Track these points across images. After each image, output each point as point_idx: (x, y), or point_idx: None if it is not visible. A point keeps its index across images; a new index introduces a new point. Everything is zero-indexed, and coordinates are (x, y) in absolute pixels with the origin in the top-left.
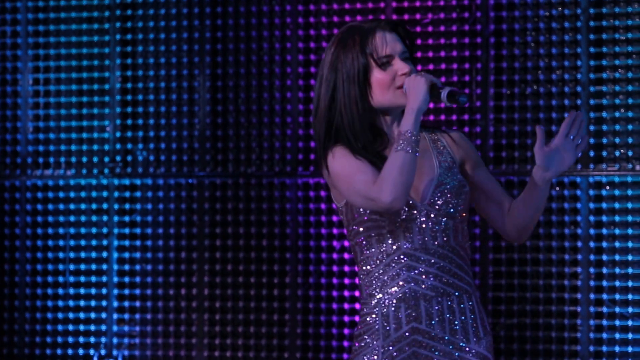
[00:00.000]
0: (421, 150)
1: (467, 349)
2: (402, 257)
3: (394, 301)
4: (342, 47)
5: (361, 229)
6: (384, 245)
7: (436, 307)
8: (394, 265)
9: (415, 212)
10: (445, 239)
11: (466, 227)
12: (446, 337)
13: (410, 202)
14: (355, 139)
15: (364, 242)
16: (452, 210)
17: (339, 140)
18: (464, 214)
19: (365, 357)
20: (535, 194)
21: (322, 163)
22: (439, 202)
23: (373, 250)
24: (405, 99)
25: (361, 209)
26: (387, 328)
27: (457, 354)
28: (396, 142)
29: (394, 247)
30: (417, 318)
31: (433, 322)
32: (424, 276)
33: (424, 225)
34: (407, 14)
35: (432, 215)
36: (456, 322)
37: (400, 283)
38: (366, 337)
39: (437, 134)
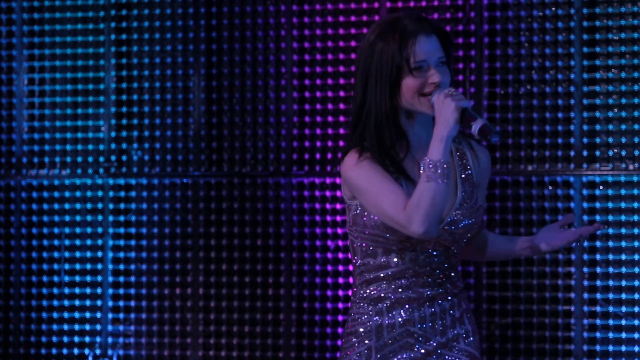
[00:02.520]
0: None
1: (457, 348)
2: (403, 271)
3: (388, 305)
4: (381, 39)
5: (369, 240)
6: (388, 258)
7: (429, 311)
8: (393, 276)
9: None
10: (447, 256)
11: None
12: (437, 339)
13: None
14: (379, 136)
15: (370, 249)
16: (463, 238)
17: (364, 139)
18: (471, 236)
19: (358, 353)
20: (520, 253)
21: (344, 159)
22: (452, 230)
23: (376, 258)
24: (429, 107)
25: (377, 225)
26: (381, 329)
27: (447, 354)
28: (426, 170)
29: (398, 262)
30: (410, 321)
31: (425, 325)
32: (421, 286)
33: (432, 247)
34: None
35: (443, 240)
36: (447, 324)
37: (398, 291)
38: (359, 334)
39: (463, 144)
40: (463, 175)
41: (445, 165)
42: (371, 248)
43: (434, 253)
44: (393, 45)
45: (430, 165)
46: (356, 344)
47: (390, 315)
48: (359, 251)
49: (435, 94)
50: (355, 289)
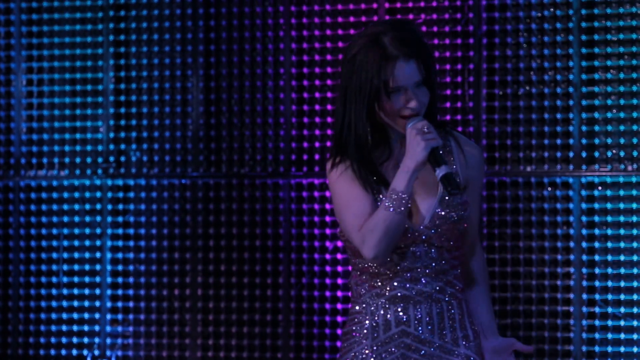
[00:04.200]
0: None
1: (456, 352)
2: (394, 266)
3: (383, 302)
4: (361, 57)
5: None
6: None
7: (425, 312)
8: (385, 270)
9: (410, 235)
10: (439, 253)
11: (462, 241)
12: (435, 341)
13: (407, 226)
14: (359, 148)
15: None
16: (450, 233)
17: (346, 144)
18: (462, 233)
19: (354, 353)
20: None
21: (326, 163)
22: (436, 226)
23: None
24: (405, 130)
25: None
26: (377, 328)
27: (446, 357)
28: (388, 199)
29: (386, 258)
30: (406, 321)
31: (421, 326)
32: (414, 282)
33: (419, 244)
34: (399, 15)
35: (429, 237)
36: (445, 327)
37: (390, 287)
38: (356, 334)
39: (451, 141)
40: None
41: (405, 197)
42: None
43: (425, 249)
44: (372, 67)
45: (394, 195)
46: (353, 344)
47: (385, 314)
48: (351, 253)
49: (409, 124)
50: (351, 288)
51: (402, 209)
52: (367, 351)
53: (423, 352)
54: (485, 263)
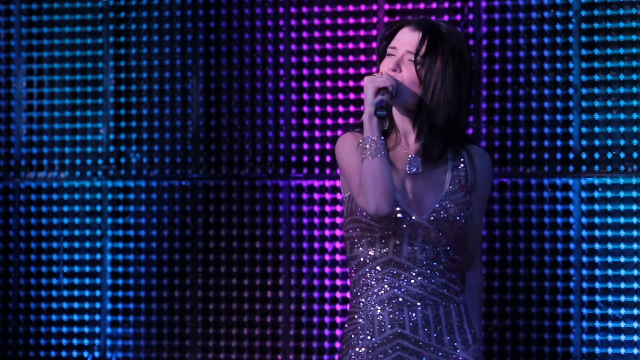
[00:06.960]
0: (436, 164)
1: (454, 356)
2: (388, 263)
3: (377, 304)
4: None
5: (357, 229)
6: (373, 249)
7: (420, 315)
8: (379, 269)
9: (410, 225)
10: (436, 253)
11: (461, 244)
12: (432, 344)
13: (408, 216)
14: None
15: (356, 241)
16: (448, 231)
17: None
18: (461, 235)
19: (352, 354)
20: None
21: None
22: (437, 221)
23: (362, 250)
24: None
25: (363, 211)
26: (371, 329)
27: None
28: (363, 149)
29: (382, 252)
30: (400, 323)
31: (417, 329)
32: (408, 283)
33: (416, 238)
34: (399, 17)
35: (427, 231)
36: (442, 330)
37: (385, 287)
38: (352, 335)
39: (464, 146)
40: (454, 173)
41: (374, 142)
42: (360, 239)
43: (422, 245)
44: (385, 32)
45: (367, 144)
46: (350, 345)
47: (379, 315)
48: (349, 245)
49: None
50: (350, 290)
51: (380, 154)
52: (362, 352)
53: (420, 355)
54: (482, 280)
